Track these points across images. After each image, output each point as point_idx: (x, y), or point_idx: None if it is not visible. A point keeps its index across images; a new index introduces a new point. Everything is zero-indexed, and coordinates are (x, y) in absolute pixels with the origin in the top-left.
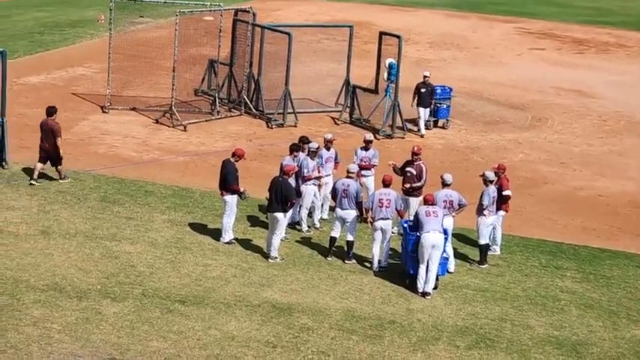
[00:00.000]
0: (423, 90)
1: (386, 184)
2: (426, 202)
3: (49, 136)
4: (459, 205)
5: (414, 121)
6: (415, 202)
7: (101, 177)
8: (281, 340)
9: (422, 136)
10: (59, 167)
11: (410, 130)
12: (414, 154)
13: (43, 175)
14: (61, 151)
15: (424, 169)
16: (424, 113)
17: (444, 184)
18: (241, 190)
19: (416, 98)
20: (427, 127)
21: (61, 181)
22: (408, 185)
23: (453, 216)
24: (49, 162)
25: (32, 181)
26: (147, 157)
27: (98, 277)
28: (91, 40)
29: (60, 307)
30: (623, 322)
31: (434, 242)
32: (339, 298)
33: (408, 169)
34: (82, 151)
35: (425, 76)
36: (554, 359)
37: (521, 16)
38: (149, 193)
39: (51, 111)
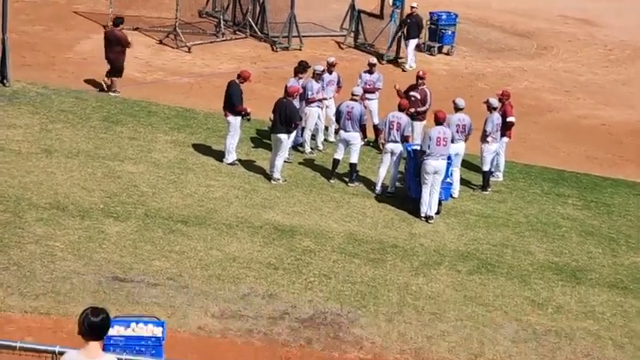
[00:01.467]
0: (409, 21)
1: (400, 108)
2: (437, 119)
3: (115, 46)
4: (469, 130)
5: (419, 47)
6: (419, 127)
7: (104, 97)
8: (283, 262)
9: (404, 70)
10: (115, 79)
11: (392, 62)
12: (418, 78)
13: (47, 94)
14: (124, 63)
15: (428, 93)
16: (411, 45)
17: (457, 109)
18: (246, 110)
19: (405, 29)
20: (431, 53)
21: (111, 93)
22: (412, 109)
23: (463, 139)
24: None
25: (112, 93)
26: (150, 77)
27: (101, 196)
28: None
29: (62, 225)
30: (623, 249)
31: (437, 168)
32: (342, 221)
33: (412, 93)
34: (85, 70)
35: (412, 7)
36: (553, 284)
37: None
38: (152, 114)
39: (118, 21)
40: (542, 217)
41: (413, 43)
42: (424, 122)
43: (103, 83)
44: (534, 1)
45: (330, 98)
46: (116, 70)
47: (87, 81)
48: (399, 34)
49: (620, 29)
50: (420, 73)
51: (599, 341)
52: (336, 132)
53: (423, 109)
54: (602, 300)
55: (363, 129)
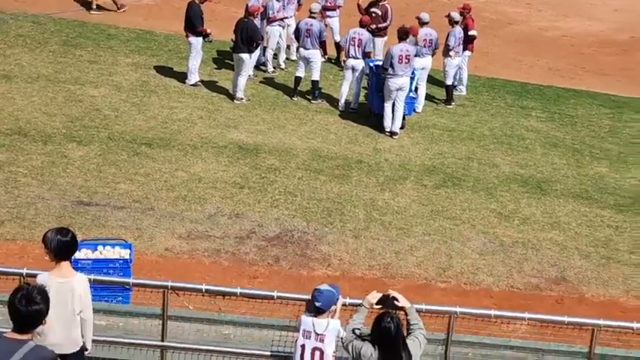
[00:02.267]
0: None
1: (362, 24)
2: (405, 34)
3: None
4: (435, 45)
5: None
6: (380, 43)
7: (62, 20)
8: (248, 180)
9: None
10: None
11: None
12: None
13: (3, 19)
14: None
15: (389, 9)
16: None
17: (422, 23)
18: (207, 31)
19: None
20: None
21: (118, 10)
22: (373, 26)
23: (430, 54)
24: None
25: (119, 10)
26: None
27: (62, 120)
28: None
29: (25, 151)
30: (587, 159)
31: (399, 85)
32: (306, 137)
33: (373, 9)
34: None
35: None
36: (519, 196)
37: None
38: (112, 37)
39: None
40: (507, 130)
41: None
42: (385, 38)
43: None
44: None
45: (291, 17)
46: None
47: (44, 4)
48: None
49: None
50: None
51: (565, 251)
52: (297, 50)
53: (383, 25)
54: (567, 210)
55: (322, 46)
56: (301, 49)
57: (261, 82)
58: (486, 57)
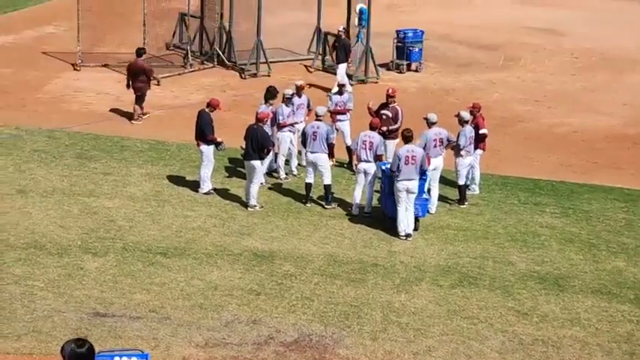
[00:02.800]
0: (337, 44)
1: (372, 127)
2: (405, 138)
3: (140, 75)
4: (448, 140)
5: (387, 66)
6: (392, 145)
7: (76, 134)
8: (264, 287)
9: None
10: (137, 106)
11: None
12: (388, 96)
13: (19, 135)
14: (147, 92)
15: (399, 111)
16: (341, 70)
17: (431, 123)
18: (218, 140)
19: (333, 54)
20: (400, 71)
21: (133, 121)
22: (384, 128)
23: (442, 153)
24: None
25: (134, 121)
26: (121, 112)
27: (78, 233)
28: None
29: (41, 264)
30: (603, 254)
31: (407, 187)
32: (321, 243)
33: (383, 111)
34: (56, 109)
35: (339, 31)
36: (537, 293)
37: None
38: (125, 148)
39: (140, 52)
40: (521, 227)
41: (342, 67)
42: (397, 140)
43: (133, 111)
44: (496, 15)
45: (302, 122)
46: (139, 97)
47: (58, 119)
48: (330, 57)
49: (584, 37)
50: (390, 91)
51: (586, 348)
52: (305, 154)
53: (394, 127)
54: (586, 306)
55: (330, 149)
56: (308, 154)
57: (273, 188)
58: (498, 155)
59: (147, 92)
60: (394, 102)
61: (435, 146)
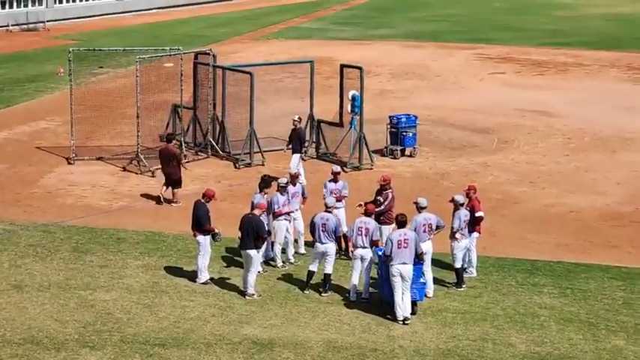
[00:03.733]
0: (291, 135)
1: (367, 213)
2: (397, 222)
3: (171, 161)
4: (437, 226)
5: (381, 152)
6: (387, 230)
7: (72, 228)
8: None
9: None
10: (175, 190)
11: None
12: (381, 184)
13: (14, 230)
14: (181, 175)
15: (390, 196)
16: (294, 160)
17: (420, 208)
18: (215, 230)
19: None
20: (394, 157)
21: (173, 204)
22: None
23: (431, 238)
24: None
25: (174, 204)
26: (117, 204)
27: (75, 326)
28: (51, 93)
29: (38, 359)
30: (603, 333)
31: (402, 273)
32: (319, 330)
33: (378, 197)
34: (51, 203)
35: (294, 121)
36: None
37: (479, 42)
38: (121, 240)
39: (170, 137)
40: (520, 308)
41: (295, 157)
42: (393, 226)
43: (160, 195)
44: (490, 98)
45: (297, 210)
46: (175, 182)
47: (53, 214)
48: (288, 147)
49: (576, 118)
50: (381, 179)
51: None
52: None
53: (378, 210)
54: None
55: (338, 240)
56: (317, 244)
57: (271, 276)
58: (494, 237)
59: (180, 176)
60: (388, 187)
61: (425, 231)
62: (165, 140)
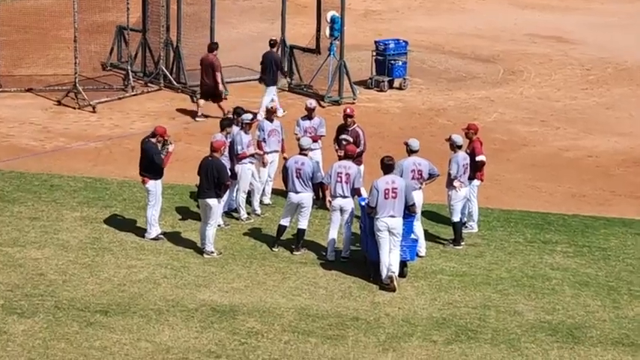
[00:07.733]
0: (262, 62)
1: (347, 155)
2: (384, 168)
3: (209, 71)
4: (430, 175)
5: (365, 84)
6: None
7: None
8: (225, 348)
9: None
10: (221, 104)
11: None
12: (346, 116)
13: None
14: (220, 87)
15: (361, 133)
16: (267, 93)
17: (411, 151)
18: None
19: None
20: (381, 89)
21: (197, 118)
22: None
23: (422, 188)
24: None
25: (197, 118)
26: (50, 145)
27: (0, 290)
28: None
29: None
30: (625, 298)
31: (390, 227)
32: (291, 295)
33: (343, 136)
34: None
35: (270, 42)
36: (548, 347)
37: None
38: (56, 188)
39: (213, 47)
40: (528, 270)
41: (269, 90)
42: (362, 167)
43: (195, 105)
44: (495, 21)
45: (275, 151)
46: (215, 96)
47: None
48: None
49: (597, 45)
50: (348, 110)
51: None
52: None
53: (358, 150)
54: None
55: (315, 188)
56: (291, 194)
57: (234, 231)
58: (499, 185)
59: (217, 89)
60: (354, 122)
61: (413, 178)
62: (208, 49)
